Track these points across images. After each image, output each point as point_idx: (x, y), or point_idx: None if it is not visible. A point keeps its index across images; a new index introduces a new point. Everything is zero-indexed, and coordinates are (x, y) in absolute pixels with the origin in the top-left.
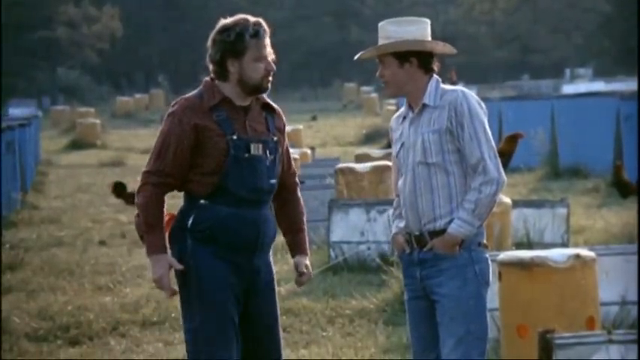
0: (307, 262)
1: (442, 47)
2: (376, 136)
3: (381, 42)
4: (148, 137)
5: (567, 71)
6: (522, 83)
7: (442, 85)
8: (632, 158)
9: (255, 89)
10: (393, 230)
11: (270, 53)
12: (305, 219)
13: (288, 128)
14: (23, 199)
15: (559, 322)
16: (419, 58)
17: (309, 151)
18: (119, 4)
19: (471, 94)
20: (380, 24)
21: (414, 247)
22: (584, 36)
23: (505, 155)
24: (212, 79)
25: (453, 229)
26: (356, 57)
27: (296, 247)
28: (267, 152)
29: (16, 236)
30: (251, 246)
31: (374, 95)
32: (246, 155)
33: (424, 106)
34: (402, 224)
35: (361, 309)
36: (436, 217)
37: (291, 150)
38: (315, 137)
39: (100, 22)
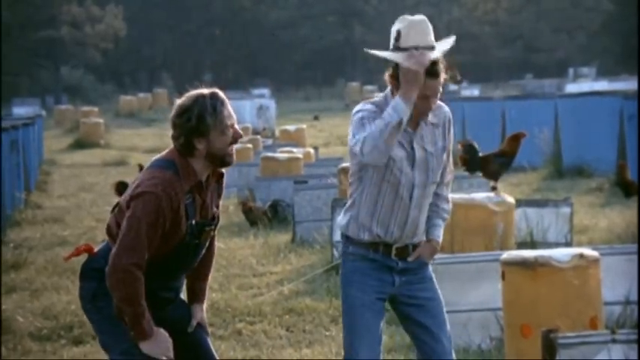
0: (204, 308)
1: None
2: None
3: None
4: (151, 136)
5: (571, 70)
6: (525, 82)
7: None
8: (635, 157)
9: (221, 161)
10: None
11: (233, 121)
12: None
13: (292, 127)
14: (27, 199)
15: (562, 321)
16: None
17: (312, 151)
18: (123, 3)
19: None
20: (404, 32)
21: (391, 256)
22: (587, 35)
23: (508, 155)
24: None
25: (438, 237)
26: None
27: (198, 295)
28: (211, 232)
29: (19, 235)
30: (171, 302)
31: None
32: (196, 242)
33: (425, 120)
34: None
35: None
36: (421, 231)
37: (294, 149)
38: (319, 137)
39: (104, 21)
